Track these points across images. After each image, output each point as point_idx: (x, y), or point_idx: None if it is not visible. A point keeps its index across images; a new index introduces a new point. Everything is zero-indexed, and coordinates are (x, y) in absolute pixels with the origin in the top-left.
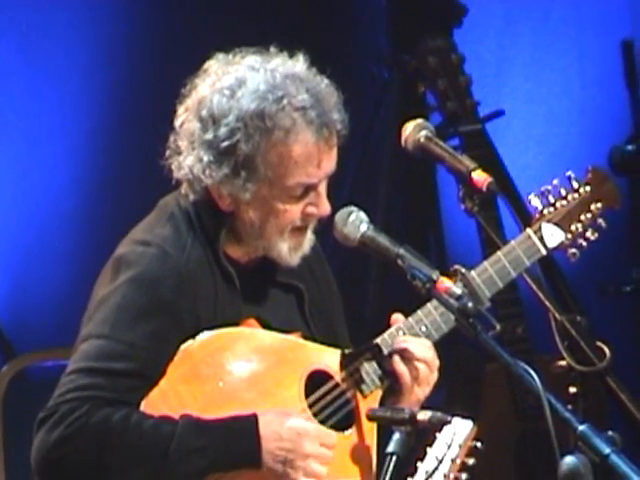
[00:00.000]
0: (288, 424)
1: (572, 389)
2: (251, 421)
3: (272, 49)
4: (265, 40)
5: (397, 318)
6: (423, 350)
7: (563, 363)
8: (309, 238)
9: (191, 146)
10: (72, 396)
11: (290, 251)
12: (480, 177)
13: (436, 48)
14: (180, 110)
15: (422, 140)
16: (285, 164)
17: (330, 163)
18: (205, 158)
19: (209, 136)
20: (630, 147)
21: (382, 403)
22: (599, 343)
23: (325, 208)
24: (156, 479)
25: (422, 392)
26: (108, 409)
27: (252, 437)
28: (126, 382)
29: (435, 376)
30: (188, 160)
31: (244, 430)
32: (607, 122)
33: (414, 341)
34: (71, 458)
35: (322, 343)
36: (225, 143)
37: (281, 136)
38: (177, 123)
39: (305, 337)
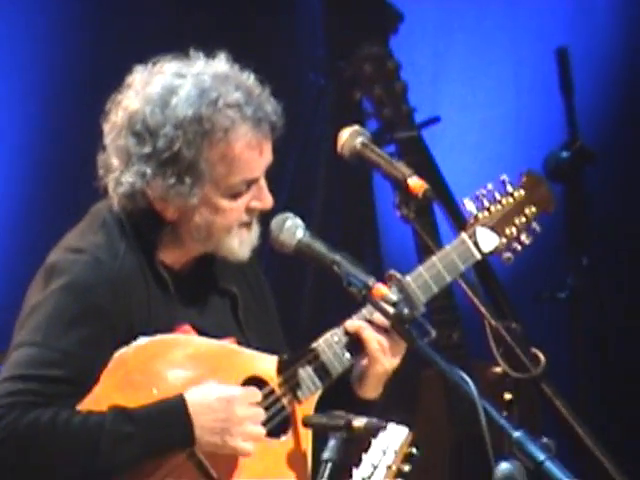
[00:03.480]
0: (216, 395)
1: (507, 396)
2: (179, 401)
3: (191, 53)
4: (199, 44)
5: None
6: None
7: (498, 370)
8: (256, 230)
9: (128, 162)
10: (3, 402)
11: (241, 245)
12: (416, 184)
13: (372, 55)
14: (107, 128)
15: (358, 147)
16: (229, 162)
17: (269, 155)
18: (148, 171)
19: (147, 149)
20: (565, 154)
21: (317, 408)
22: (534, 349)
23: (268, 200)
24: (92, 472)
25: (389, 362)
26: (37, 411)
27: (182, 416)
28: (59, 389)
29: (403, 346)
30: (127, 176)
31: (173, 411)
32: (542, 129)
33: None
34: (4, 464)
35: (257, 349)
36: (166, 154)
37: (221, 136)
38: (107, 141)
39: (239, 343)
